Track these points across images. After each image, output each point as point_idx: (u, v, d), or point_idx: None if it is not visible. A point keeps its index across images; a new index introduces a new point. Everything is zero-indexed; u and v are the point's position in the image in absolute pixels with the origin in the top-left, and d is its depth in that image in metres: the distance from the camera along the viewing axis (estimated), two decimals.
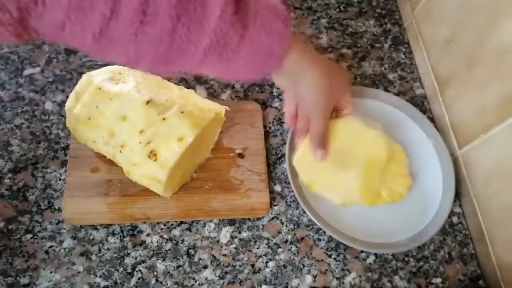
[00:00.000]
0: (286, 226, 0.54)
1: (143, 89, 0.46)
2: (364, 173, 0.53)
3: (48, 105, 0.56)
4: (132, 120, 0.44)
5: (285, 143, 0.59)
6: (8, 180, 0.51)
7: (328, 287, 0.51)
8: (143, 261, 0.49)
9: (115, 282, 0.48)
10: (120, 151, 0.45)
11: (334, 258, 0.53)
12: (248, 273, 0.50)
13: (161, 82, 0.48)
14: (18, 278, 0.47)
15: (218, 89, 0.62)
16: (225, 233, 0.52)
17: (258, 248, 0.52)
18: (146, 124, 0.44)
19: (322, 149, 0.49)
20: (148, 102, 0.44)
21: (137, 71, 0.49)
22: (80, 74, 0.47)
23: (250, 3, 0.34)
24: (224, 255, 0.50)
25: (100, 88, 0.46)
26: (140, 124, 0.44)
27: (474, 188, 0.56)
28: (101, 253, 0.49)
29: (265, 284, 0.50)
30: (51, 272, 0.47)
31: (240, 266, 0.50)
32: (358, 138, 0.55)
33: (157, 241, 0.51)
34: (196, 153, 0.50)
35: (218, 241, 0.52)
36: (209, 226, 0.52)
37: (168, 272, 0.49)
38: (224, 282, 0.49)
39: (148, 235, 0.51)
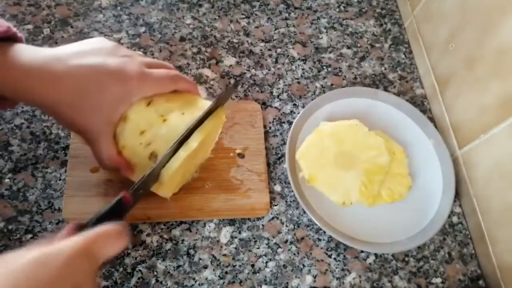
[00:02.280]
0: (286, 226, 0.54)
1: None
2: (365, 175, 0.53)
3: None
4: (133, 121, 0.44)
5: (285, 143, 0.59)
6: (8, 180, 0.51)
7: (328, 287, 0.51)
8: (143, 261, 0.49)
9: (115, 282, 0.48)
10: (121, 152, 0.45)
11: (334, 258, 0.53)
12: (248, 273, 0.50)
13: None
14: None
15: (218, 89, 0.62)
16: (225, 233, 0.52)
17: (258, 248, 0.52)
18: (147, 125, 0.44)
19: None
20: (149, 103, 0.44)
21: None
22: None
23: None
24: (224, 255, 0.50)
25: None
26: (141, 125, 0.43)
27: (474, 188, 0.56)
28: None
29: (265, 284, 0.50)
30: None
31: (240, 266, 0.50)
32: (363, 144, 0.55)
33: (157, 241, 0.51)
34: (196, 155, 0.50)
35: (218, 241, 0.52)
36: (209, 226, 0.52)
37: (168, 272, 0.49)
38: (224, 282, 0.49)
39: (148, 235, 0.51)
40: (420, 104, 0.66)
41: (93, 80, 0.39)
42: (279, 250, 0.52)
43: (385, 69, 0.68)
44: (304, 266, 0.52)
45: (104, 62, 0.40)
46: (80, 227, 0.33)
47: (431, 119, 0.64)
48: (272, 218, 0.54)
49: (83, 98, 0.39)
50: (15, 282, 0.25)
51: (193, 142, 0.44)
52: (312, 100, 0.61)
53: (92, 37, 0.62)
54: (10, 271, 0.26)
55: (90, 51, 0.41)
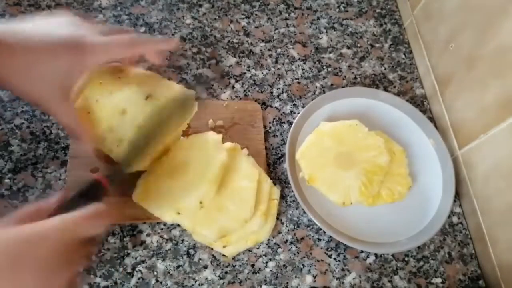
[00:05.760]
0: (286, 226, 0.54)
1: (143, 85, 0.46)
2: (365, 175, 0.53)
3: None
4: (131, 114, 0.44)
5: (285, 143, 0.59)
6: (8, 180, 0.51)
7: (328, 287, 0.51)
8: (143, 261, 0.49)
9: (115, 282, 0.48)
10: (118, 145, 0.45)
11: (334, 258, 0.53)
12: (248, 273, 0.50)
13: (162, 80, 0.49)
14: None
15: (218, 89, 0.62)
16: None
17: (258, 248, 0.52)
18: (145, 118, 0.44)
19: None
20: (147, 97, 0.44)
21: (139, 68, 0.49)
22: None
23: None
24: (224, 255, 0.50)
25: (101, 83, 0.46)
26: (139, 118, 0.44)
27: (474, 188, 0.56)
28: (101, 253, 0.49)
29: (265, 284, 0.50)
30: None
31: (240, 266, 0.50)
32: (362, 144, 0.55)
33: (157, 241, 0.51)
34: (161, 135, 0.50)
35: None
36: None
37: (168, 272, 0.49)
38: (224, 282, 0.49)
39: (148, 235, 0.51)
40: (420, 104, 0.66)
41: (45, 49, 0.40)
42: (279, 250, 0.52)
43: (385, 69, 0.68)
44: (304, 266, 0.52)
45: (57, 31, 0.41)
46: (60, 207, 0.36)
47: (431, 119, 0.64)
48: None
49: (36, 67, 0.40)
50: (8, 259, 0.29)
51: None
52: (312, 100, 0.61)
53: None
54: (4, 248, 0.30)
55: (46, 24, 0.42)
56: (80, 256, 0.34)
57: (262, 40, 0.67)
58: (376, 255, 0.53)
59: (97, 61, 0.43)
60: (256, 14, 0.70)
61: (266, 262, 0.51)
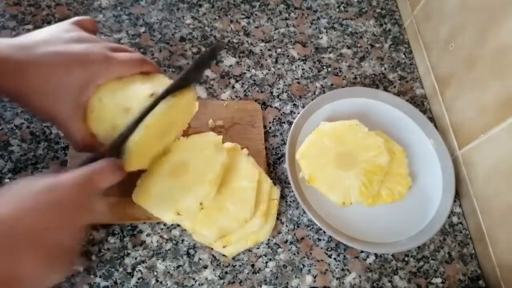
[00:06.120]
0: (286, 226, 0.54)
1: (146, 83, 0.46)
2: (364, 175, 0.53)
3: None
4: (135, 112, 0.44)
5: (285, 143, 0.59)
6: (8, 180, 0.51)
7: (328, 287, 0.51)
8: (143, 261, 0.49)
9: (115, 282, 0.48)
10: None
11: (334, 258, 0.53)
12: (248, 273, 0.50)
13: (164, 78, 0.49)
14: None
15: (218, 89, 0.62)
16: None
17: (258, 248, 0.52)
18: None
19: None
20: (152, 95, 0.44)
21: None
22: None
23: None
24: (224, 255, 0.50)
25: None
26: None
27: (474, 188, 0.56)
28: (101, 253, 0.49)
29: (265, 284, 0.50)
30: None
31: (240, 266, 0.50)
32: (362, 144, 0.55)
33: (157, 241, 0.51)
34: (163, 135, 0.50)
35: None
36: None
37: (168, 272, 0.49)
38: (224, 282, 0.49)
39: (148, 235, 0.51)
40: (420, 104, 0.66)
41: (59, 66, 0.40)
42: (279, 250, 0.52)
43: (385, 69, 0.68)
44: (304, 266, 0.52)
45: (69, 48, 0.41)
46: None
47: (431, 119, 0.64)
48: None
49: (50, 85, 0.40)
50: (35, 200, 0.33)
51: (160, 107, 0.44)
52: (312, 100, 0.61)
53: None
54: (32, 192, 0.34)
55: (55, 38, 0.42)
56: (92, 205, 0.37)
57: (262, 40, 0.67)
58: (376, 255, 0.53)
59: (109, 78, 0.43)
60: (256, 14, 0.70)
61: (266, 262, 0.51)
